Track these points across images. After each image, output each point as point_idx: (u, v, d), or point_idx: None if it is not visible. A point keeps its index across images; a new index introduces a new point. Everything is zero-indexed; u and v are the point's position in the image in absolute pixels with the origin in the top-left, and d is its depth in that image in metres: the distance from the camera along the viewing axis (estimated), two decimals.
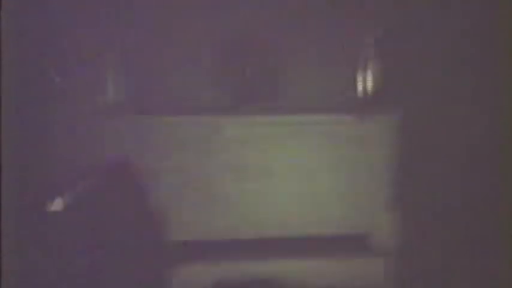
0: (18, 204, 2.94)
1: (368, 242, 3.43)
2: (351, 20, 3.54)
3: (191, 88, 3.59)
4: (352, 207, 3.44)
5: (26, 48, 3.17)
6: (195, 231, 3.46)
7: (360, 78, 3.49)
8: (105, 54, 3.45)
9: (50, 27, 3.36)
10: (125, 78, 3.50)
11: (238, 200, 3.48)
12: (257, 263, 3.30)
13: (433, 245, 3.18)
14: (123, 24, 3.47)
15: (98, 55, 3.40)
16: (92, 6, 3.40)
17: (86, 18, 3.45)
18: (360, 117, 3.26)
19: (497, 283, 3.10)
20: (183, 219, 3.44)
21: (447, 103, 3.09)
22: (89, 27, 3.44)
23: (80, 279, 2.97)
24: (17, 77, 3.00)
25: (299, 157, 3.47)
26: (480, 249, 3.06)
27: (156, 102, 3.58)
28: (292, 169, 3.48)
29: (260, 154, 3.47)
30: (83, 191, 2.99)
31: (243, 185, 3.48)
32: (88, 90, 3.41)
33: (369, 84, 3.47)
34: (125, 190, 3.31)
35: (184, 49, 3.57)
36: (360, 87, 3.51)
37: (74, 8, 3.41)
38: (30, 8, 3.20)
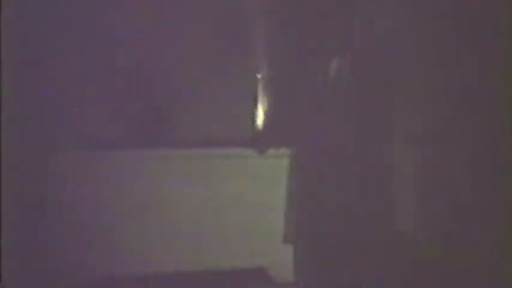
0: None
1: (267, 276, 3.45)
2: (246, 54, 3.44)
3: (86, 122, 3.52)
4: (252, 241, 3.46)
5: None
6: (88, 268, 3.40)
7: (256, 113, 3.42)
8: None
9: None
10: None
11: (131, 237, 3.45)
12: None
13: (332, 279, 3.07)
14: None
15: None
16: None
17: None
18: (257, 152, 3.21)
19: None
20: (72, 257, 3.38)
21: (344, 136, 3.04)
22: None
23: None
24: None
25: (197, 192, 3.47)
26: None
27: (50, 137, 3.47)
28: (190, 204, 3.48)
29: (155, 189, 3.45)
30: None
31: (140, 220, 3.45)
32: None
33: (266, 118, 3.39)
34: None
35: (80, 82, 3.51)
36: (257, 121, 3.43)
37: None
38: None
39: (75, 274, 3.26)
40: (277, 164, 3.27)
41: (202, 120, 3.58)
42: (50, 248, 3.25)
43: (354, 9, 2.96)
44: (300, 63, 3.24)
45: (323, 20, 2.91)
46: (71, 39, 3.48)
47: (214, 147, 3.50)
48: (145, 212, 3.45)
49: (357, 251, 2.89)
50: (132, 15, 3.53)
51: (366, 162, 2.89)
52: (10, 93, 3.20)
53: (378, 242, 2.91)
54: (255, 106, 3.46)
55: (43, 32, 3.41)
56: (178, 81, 3.59)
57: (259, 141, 3.27)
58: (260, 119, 3.45)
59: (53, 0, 3.38)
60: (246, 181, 3.49)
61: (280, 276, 3.31)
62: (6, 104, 3.03)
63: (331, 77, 2.90)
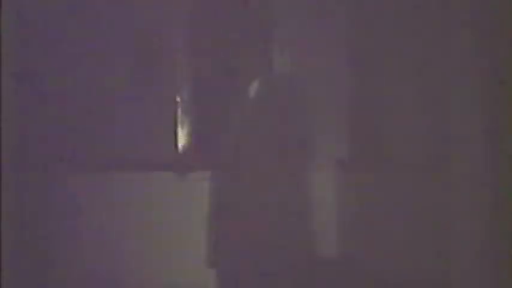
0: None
1: None
2: (166, 76, 3.56)
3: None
4: (174, 265, 3.44)
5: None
6: None
7: (175, 135, 3.51)
8: None
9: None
10: None
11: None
12: None
13: None
14: None
15: None
16: None
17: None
18: (179, 175, 3.28)
19: None
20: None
21: (266, 158, 2.95)
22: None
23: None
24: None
25: (117, 215, 3.45)
26: None
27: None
28: (110, 228, 3.46)
29: (74, 211, 3.45)
30: None
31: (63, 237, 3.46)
32: None
33: (186, 141, 3.48)
34: None
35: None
36: (176, 144, 3.52)
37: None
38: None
39: None
40: (197, 187, 3.22)
41: (121, 143, 3.56)
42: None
43: (272, 32, 2.99)
44: (220, 85, 3.34)
45: (243, 42, 2.92)
46: None
47: (134, 170, 3.47)
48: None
49: (280, 275, 2.85)
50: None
51: (288, 184, 2.88)
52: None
53: (300, 264, 2.90)
54: (175, 129, 3.53)
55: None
56: (96, 103, 3.58)
57: (180, 164, 3.31)
58: (181, 141, 3.53)
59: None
60: (167, 204, 3.44)
61: None
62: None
63: (251, 98, 2.90)
